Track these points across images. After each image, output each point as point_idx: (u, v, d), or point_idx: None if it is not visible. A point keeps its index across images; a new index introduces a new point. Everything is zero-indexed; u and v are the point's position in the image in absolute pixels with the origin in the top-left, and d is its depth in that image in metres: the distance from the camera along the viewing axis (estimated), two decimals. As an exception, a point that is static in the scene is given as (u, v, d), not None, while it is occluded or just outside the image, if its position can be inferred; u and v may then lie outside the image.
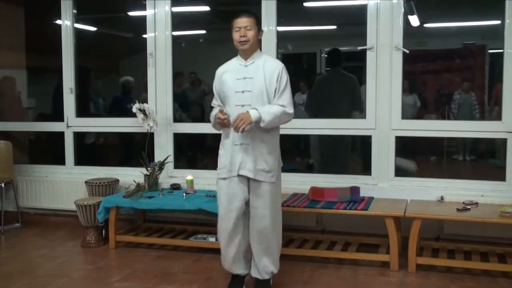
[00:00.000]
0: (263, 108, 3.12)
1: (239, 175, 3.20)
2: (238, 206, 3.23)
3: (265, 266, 3.29)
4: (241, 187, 3.22)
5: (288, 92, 3.21)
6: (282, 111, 3.15)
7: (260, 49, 3.37)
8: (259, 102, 3.17)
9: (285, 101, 3.17)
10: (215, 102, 3.38)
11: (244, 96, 3.19)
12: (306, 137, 5.49)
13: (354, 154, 5.35)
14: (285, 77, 3.21)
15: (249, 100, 3.18)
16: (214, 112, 3.29)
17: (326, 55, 6.28)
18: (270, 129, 3.19)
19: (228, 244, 3.31)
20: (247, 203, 3.27)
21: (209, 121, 3.43)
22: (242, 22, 3.18)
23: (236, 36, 3.21)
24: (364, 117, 4.43)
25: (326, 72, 5.49)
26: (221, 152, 3.31)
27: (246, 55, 3.26)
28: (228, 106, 3.25)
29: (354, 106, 4.90)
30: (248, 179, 3.22)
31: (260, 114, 3.08)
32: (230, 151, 3.22)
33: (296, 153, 5.80)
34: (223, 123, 3.17)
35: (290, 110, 3.19)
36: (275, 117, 3.12)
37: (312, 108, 5.30)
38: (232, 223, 3.26)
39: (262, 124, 3.10)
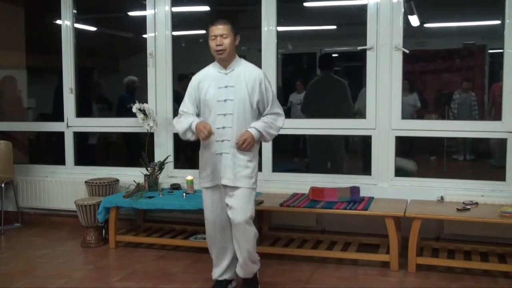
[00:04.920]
0: (264, 128, 3.19)
1: (221, 184, 3.21)
2: (224, 210, 3.24)
3: (247, 265, 3.26)
4: (223, 194, 3.24)
5: (276, 99, 3.30)
6: (278, 129, 3.26)
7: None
8: (241, 110, 3.17)
9: (277, 109, 3.28)
10: (185, 110, 3.29)
11: (226, 105, 3.17)
12: (305, 137, 5.48)
13: (354, 154, 5.34)
14: (268, 85, 3.24)
15: (231, 109, 3.16)
16: (188, 120, 3.21)
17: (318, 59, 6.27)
18: None
19: (221, 252, 3.33)
20: None
21: None
22: (218, 30, 3.14)
23: (212, 44, 3.17)
24: (364, 117, 4.43)
25: (318, 76, 5.49)
26: (201, 161, 3.31)
27: (225, 63, 3.23)
28: (209, 115, 3.21)
29: (344, 110, 4.90)
30: (226, 186, 3.21)
31: (262, 136, 3.20)
32: (211, 160, 3.22)
33: (295, 153, 5.79)
34: (204, 136, 3.12)
35: (283, 117, 3.29)
36: (272, 137, 3.30)
37: (305, 110, 5.28)
38: (219, 229, 3.27)
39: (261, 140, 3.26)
